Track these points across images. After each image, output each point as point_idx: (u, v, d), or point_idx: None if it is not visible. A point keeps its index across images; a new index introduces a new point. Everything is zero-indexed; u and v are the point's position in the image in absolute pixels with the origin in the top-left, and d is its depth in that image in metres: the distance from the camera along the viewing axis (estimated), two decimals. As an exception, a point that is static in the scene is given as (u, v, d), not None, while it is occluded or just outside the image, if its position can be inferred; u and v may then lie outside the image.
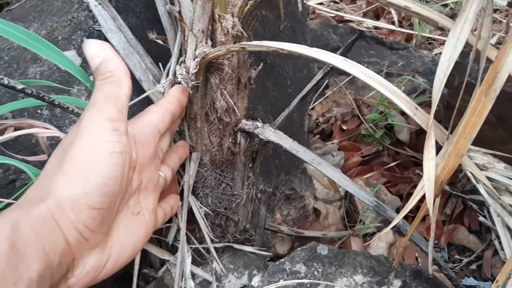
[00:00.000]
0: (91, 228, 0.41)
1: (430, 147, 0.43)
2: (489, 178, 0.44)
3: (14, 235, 0.35)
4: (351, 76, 1.41)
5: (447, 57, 0.43)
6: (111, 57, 0.45)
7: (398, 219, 0.49)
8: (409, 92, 1.34)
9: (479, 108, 0.40)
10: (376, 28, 1.68)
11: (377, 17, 1.81)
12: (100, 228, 0.42)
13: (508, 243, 0.42)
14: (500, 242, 0.93)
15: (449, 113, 1.14)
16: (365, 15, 1.80)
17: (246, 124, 0.64)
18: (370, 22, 1.68)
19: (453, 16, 1.76)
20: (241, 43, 0.53)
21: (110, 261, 0.45)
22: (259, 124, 0.64)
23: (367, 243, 0.90)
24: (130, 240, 0.47)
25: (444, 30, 0.46)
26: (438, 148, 0.46)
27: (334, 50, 1.47)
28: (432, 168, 0.42)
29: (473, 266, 0.93)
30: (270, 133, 0.63)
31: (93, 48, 0.45)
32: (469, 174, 0.43)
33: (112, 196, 0.42)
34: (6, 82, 0.47)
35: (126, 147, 0.44)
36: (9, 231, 0.35)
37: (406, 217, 0.93)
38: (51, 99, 0.51)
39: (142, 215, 0.50)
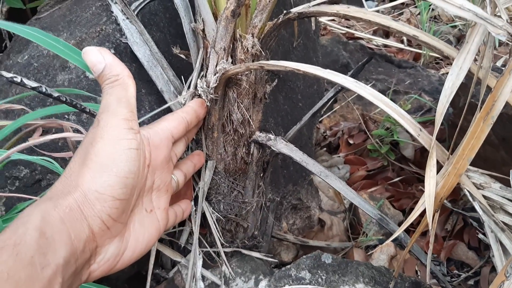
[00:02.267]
0: (113, 217, 0.45)
1: (432, 165, 0.47)
2: (485, 197, 0.48)
3: (43, 224, 0.39)
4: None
5: (450, 84, 0.47)
6: (113, 61, 0.48)
7: (399, 231, 0.52)
8: (415, 110, 1.38)
9: (478, 132, 0.43)
10: (385, 46, 1.72)
11: (386, 35, 1.86)
12: (121, 218, 0.46)
13: (500, 257, 0.45)
14: (498, 260, 0.97)
15: (453, 132, 1.17)
16: (375, 33, 1.84)
17: (260, 136, 0.68)
18: (379, 40, 1.73)
19: (461, 37, 1.80)
20: (260, 62, 0.58)
21: (127, 251, 0.49)
22: (272, 136, 0.68)
23: (366, 252, 0.93)
24: (144, 234, 0.51)
25: (449, 59, 0.50)
26: (440, 167, 0.50)
27: (343, 66, 1.52)
28: (433, 185, 0.46)
29: (471, 282, 0.96)
30: (282, 146, 0.67)
31: (94, 55, 0.48)
32: (467, 192, 0.47)
33: (132, 188, 0.47)
34: (44, 90, 0.52)
35: (140, 144, 0.48)
36: (38, 220, 0.39)
37: (408, 232, 0.96)
38: (82, 107, 0.55)
39: (154, 213, 0.54)
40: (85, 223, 0.43)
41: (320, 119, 1.43)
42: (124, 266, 0.50)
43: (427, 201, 0.45)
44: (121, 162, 0.45)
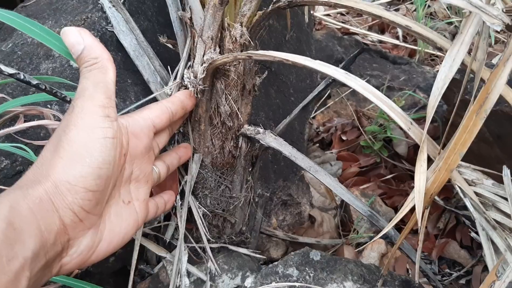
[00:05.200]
0: (86, 209, 0.43)
1: (422, 160, 0.45)
2: (477, 194, 0.46)
3: (12, 214, 0.37)
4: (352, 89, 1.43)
5: (443, 76, 0.45)
6: (93, 43, 0.46)
7: (388, 228, 0.51)
8: (409, 106, 1.36)
9: (470, 126, 0.42)
10: (380, 42, 1.71)
11: (382, 31, 1.84)
12: (95, 210, 0.44)
13: (491, 256, 0.44)
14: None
15: (447, 129, 1.16)
16: (370, 28, 1.82)
17: (248, 129, 0.66)
18: (375, 36, 1.71)
19: (457, 34, 1.79)
20: (248, 52, 0.56)
21: (102, 244, 0.47)
22: (261, 130, 0.66)
23: (356, 249, 0.91)
24: (120, 227, 0.49)
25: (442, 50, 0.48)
26: (431, 162, 0.48)
27: (338, 61, 1.51)
28: (423, 181, 0.44)
29: (463, 281, 0.95)
30: (271, 139, 0.65)
31: (73, 35, 0.45)
32: (458, 189, 0.45)
33: (106, 179, 0.44)
34: (22, 77, 0.50)
35: (117, 132, 0.45)
36: (7, 210, 0.37)
37: (400, 229, 0.95)
38: (63, 95, 0.53)
39: (132, 204, 0.52)
40: (56, 215, 0.41)
41: (313, 115, 1.41)
42: (99, 259, 0.48)
43: (417, 197, 0.44)
44: (95, 151, 0.43)
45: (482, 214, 0.44)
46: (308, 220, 0.99)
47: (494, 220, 0.45)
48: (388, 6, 2.07)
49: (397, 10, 2.01)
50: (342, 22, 1.75)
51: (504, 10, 0.41)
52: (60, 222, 0.41)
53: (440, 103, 1.37)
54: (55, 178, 0.41)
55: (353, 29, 1.71)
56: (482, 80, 0.46)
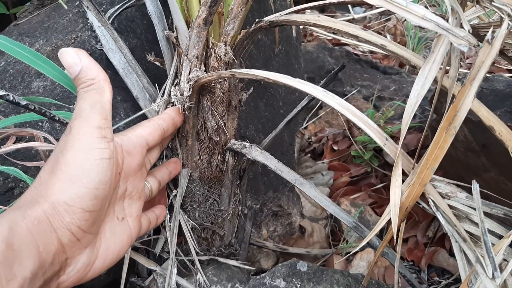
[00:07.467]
0: (83, 229, 0.44)
1: (397, 175, 0.47)
2: (451, 206, 0.48)
3: (11, 235, 0.38)
4: (344, 99, 1.45)
5: (416, 94, 0.47)
6: (90, 64, 0.47)
7: (369, 237, 0.52)
8: (399, 116, 1.38)
9: (441, 142, 0.44)
10: (371, 52, 1.73)
11: (373, 41, 1.86)
12: (91, 229, 0.45)
13: (464, 267, 0.45)
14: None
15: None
16: (361, 38, 1.85)
17: (235, 144, 0.68)
18: (365, 46, 1.73)
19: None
20: (232, 70, 0.57)
21: (98, 261, 0.48)
22: (247, 144, 0.67)
23: (343, 258, 0.93)
24: (115, 243, 0.50)
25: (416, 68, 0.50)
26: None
27: (328, 72, 1.53)
28: (398, 195, 0.46)
29: (451, 289, 0.96)
30: (257, 153, 0.67)
31: (70, 56, 0.47)
32: (431, 202, 0.47)
33: (103, 199, 0.45)
34: (11, 99, 0.51)
35: (113, 152, 0.47)
36: (6, 231, 0.38)
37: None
38: (52, 115, 0.55)
39: (126, 221, 0.53)
40: (54, 235, 0.42)
41: (305, 125, 1.43)
42: (95, 275, 0.49)
43: (392, 211, 0.45)
44: (92, 173, 0.44)
45: (454, 227, 0.46)
46: (298, 231, 1.01)
47: (468, 232, 0.46)
48: (380, 16, 2.10)
49: (388, 20, 2.04)
50: (333, 33, 1.78)
51: (471, 31, 0.42)
52: (58, 242, 0.42)
53: (429, 113, 1.39)
54: (53, 199, 0.42)
55: (344, 40, 1.74)
56: (454, 96, 0.47)
